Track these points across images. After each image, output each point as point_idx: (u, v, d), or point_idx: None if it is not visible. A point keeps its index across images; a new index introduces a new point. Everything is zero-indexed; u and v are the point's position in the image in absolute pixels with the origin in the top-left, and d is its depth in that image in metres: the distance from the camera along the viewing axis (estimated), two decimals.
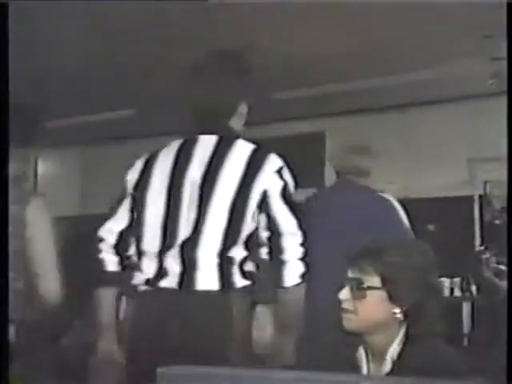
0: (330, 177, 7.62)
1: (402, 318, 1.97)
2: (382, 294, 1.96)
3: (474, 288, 5.80)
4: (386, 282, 1.96)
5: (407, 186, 5.30)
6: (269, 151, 2.51)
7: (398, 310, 1.97)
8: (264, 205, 2.37)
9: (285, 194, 2.40)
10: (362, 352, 2.04)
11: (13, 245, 2.40)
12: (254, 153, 2.48)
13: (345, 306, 1.99)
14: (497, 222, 6.73)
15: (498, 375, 1.84)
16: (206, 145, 2.53)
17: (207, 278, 2.34)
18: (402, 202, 4.81)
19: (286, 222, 2.37)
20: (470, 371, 1.98)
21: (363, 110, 7.42)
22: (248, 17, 4.95)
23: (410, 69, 6.07)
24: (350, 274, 2.00)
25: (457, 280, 5.77)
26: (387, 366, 1.97)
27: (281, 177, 2.43)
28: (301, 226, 2.36)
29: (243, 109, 2.70)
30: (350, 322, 1.99)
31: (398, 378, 1.75)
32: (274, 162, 2.46)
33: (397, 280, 1.95)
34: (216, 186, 2.40)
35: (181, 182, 2.45)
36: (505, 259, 5.57)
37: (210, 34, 5.25)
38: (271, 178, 2.41)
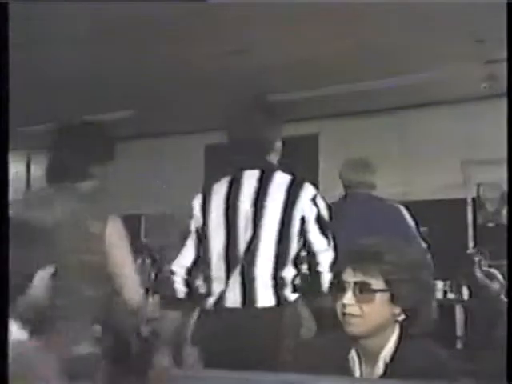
0: (324, 179, 7.67)
1: (402, 319, 1.97)
2: (386, 295, 1.96)
3: (466, 290, 5.81)
4: (389, 284, 1.95)
5: (401, 189, 5.30)
6: (304, 181, 2.96)
7: (398, 311, 1.97)
8: (303, 229, 2.84)
9: (318, 219, 2.85)
10: (354, 354, 2.04)
11: (93, 259, 2.72)
12: (292, 183, 2.92)
13: (349, 310, 1.97)
14: (490, 224, 6.75)
15: (490, 377, 1.84)
16: (251, 178, 2.98)
17: (265, 296, 2.77)
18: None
19: (320, 242, 2.84)
20: (463, 373, 1.98)
21: (358, 113, 7.43)
22: (245, 18, 4.95)
23: (404, 72, 6.08)
24: (354, 278, 1.98)
25: (449, 282, 5.78)
26: (380, 369, 1.96)
27: (315, 203, 2.87)
28: (330, 245, 2.84)
29: (279, 145, 3.20)
30: (354, 327, 1.97)
31: (390, 381, 1.74)
32: (308, 190, 2.91)
33: (399, 281, 1.95)
34: (264, 216, 2.85)
35: (235, 213, 2.90)
36: (497, 262, 5.58)
37: (209, 35, 5.27)
38: (307, 206, 2.85)
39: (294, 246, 2.83)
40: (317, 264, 2.82)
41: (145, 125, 8.15)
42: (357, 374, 2.00)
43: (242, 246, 2.83)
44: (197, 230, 3.02)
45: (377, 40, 5.41)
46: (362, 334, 1.99)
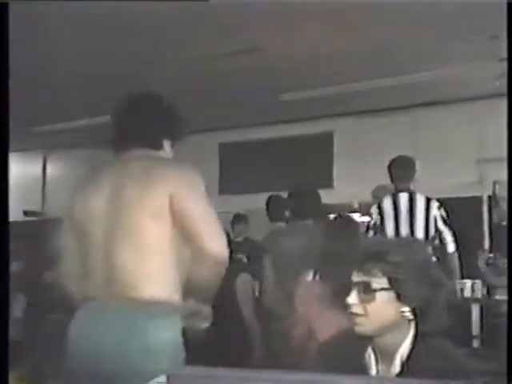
0: (338, 176, 7.65)
1: (412, 317, 1.97)
2: (390, 294, 1.96)
3: (483, 289, 5.78)
4: (393, 282, 1.96)
5: (416, 187, 5.30)
6: (434, 198, 5.16)
7: (406, 309, 1.97)
8: (435, 225, 5.07)
9: (443, 218, 5.09)
10: (370, 353, 2.04)
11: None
12: (427, 200, 5.11)
13: (354, 310, 1.98)
14: (504, 223, 6.70)
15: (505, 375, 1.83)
16: (404, 199, 5.12)
17: None
18: None
19: (446, 233, 5.09)
20: (479, 373, 1.97)
21: (372, 111, 7.41)
22: (257, 17, 4.95)
23: (418, 70, 6.06)
24: (357, 278, 1.99)
25: (466, 281, 5.75)
26: (396, 367, 1.96)
27: (439, 209, 5.10)
28: (454, 235, 5.10)
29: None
30: (361, 326, 1.98)
31: (407, 380, 1.74)
32: (436, 203, 5.12)
33: (403, 279, 1.95)
34: (417, 218, 5.06)
35: (398, 215, 5.12)
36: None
37: (221, 33, 5.28)
38: (437, 211, 5.09)
39: (432, 235, 5.05)
40: (446, 247, 5.07)
41: None
42: (373, 372, 2.00)
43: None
44: (374, 224, 5.10)
45: (390, 38, 5.41)
46: (370, 333, 1.99)
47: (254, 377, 1.51)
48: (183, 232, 2.47)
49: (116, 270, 2.47)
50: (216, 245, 2.45)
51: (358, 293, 1.97)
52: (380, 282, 1.96)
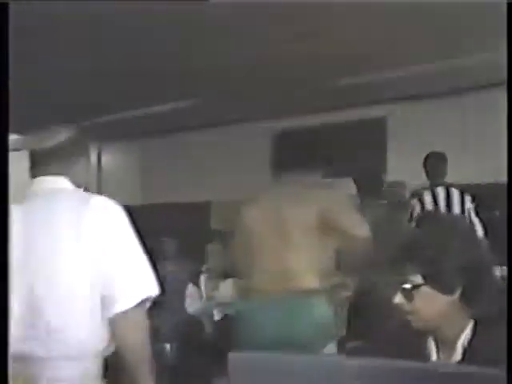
0: (391, 162, 7.59)
1: (461, 304, 1.94)
2: (429, 288, 1.94)
3: None
4: (428, 276, 1.93)
5: (470, 171, 5.21)
6: (466, 192, 5.24)
7: (451, 298, 1.94)
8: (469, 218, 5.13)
9: (476, 210, 5.19)
10: (431, 341, 2.02)
11: None
12: (461, 193, 5.20)
13: (402, 309, 1.98)
14: None
15: None
16: (442, 194, 5.22)
17: None
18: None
19: (478, 225, 5.09)
20: None
21: (425, 95, 7.31)
22: (314, 2, 4.91)
23: (470, 53, 5.96)
24: (397, 278, 1.98)
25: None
26: (458, 355, 1.93)
27: (472, 202, 5.19)
28: (484, 227, 5.12)
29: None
30: (414, 323, 1.97)
31: (471, 367, 1.72)
32: (469, 197, 5.19)
33: (438, 270, 1.92)
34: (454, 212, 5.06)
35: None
36: None
37: (276, 20, 5.25)
38: (470, 204, 5.17)
39: None
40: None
41: (210, 113, 8.20)
42: (433, 357, 1.98)
43: None
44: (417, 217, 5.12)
45: (440, 22, 5.32)
46: (425, 328, 1.98)
47: (319, 361, 1.51)
48: (329, 232, 3.30)
49: (280, 267, 3.24)
50: (362, 230, 3.36)
51: (402, 292, 1.96)
52: (415, 278, 1.93)
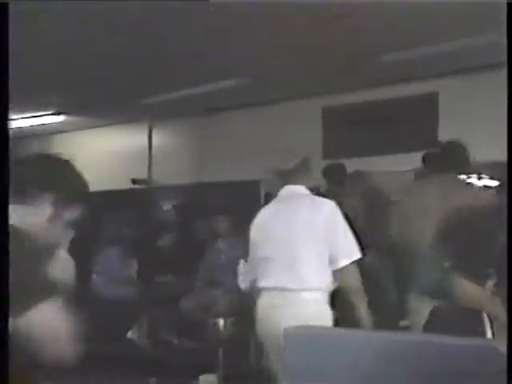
0: (444, 139, 7.47)
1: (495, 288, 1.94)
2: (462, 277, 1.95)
3: None
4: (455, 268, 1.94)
5: None
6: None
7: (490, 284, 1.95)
8: None
9: None
10: (485, 317, 2.02)
11: None
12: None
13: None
14: None
15: None
16: None
17: None
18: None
19: None
20: None
21: (477, 68, 7.17)
22: None
23: None
24: None
25: None
26: None
27: None
28: None
29: None
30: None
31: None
32: None
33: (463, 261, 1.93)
34: None
35: None
36: None
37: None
38: None
39: None
40: None
41: (259, 91, 8.20)
42: (488, 335, 1.98)
43: None
44: None
45: None
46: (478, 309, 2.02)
47: (365, 336, 1.52)
48: None
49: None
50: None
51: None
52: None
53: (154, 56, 6.67)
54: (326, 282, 3.63)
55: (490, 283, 1.98)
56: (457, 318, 2.05)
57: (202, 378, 4.98)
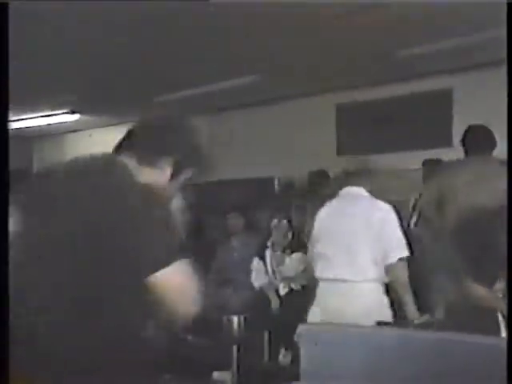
0: (458, 136, 7.42)
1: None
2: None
3: None
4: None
5: None
6: None
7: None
8: None
9: None
10: (499, 316, 2.02)
11: None
12: None
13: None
14: None
15: None
16: None
17: None
18: None
19: None
20: None
21: (492, 63, 7.12)
22: None
23: None
24: None
25: None
26: None
27: None
28: None
29: None
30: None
31: None
32: None
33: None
34: None
35: None
36: None
37: None
38: None
39: None
40: None
41: (271, 89, 8.20)
42: (503, 334, 1.98)
43: None
44: None
45: None
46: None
47: (379, 333, 1.52)
48: None
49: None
50: None
51: None
52: None
53: (168, 54, 6.67)
54: (381, 275, 3.95)
55: (499, 285, 2.00)
56: (472, 317, 2.05)
57: (215, 374, 4.99)
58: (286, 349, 5.25)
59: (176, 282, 1.84)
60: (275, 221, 5.90)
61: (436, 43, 6.32)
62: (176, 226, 1.95)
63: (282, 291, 5.73)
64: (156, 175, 2.06)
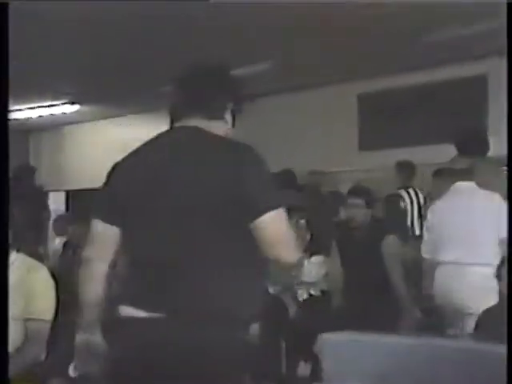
0: (493, 123, 7.37)
1: None
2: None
3: None
4: None
5: None
6: None
7: None
8: None
9: None
10: None
11: None
12: None
13: None
14: None
15: None
16: None
17: None
18: None
19: None
20: None
21: None
22: None
23: None
24: None
25: None
26: None
27: None
28: None
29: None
30: None
31: None
32: None
33: None
34: None
35: None
36: None
37: None
38: None
39: None
40: None
41: (288, 77, 8.19)
42: None
43: None
44: None
45: None
46: None
47: (395, 342, 1.52)
48: None
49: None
50: None
51: None
52: None
53: (171, 41, 6.70)
54: (495, 258, 4.39)
55: None
56: (503, 326, 2.06)
57: None
58: (305, 361, 5.21)
59: (283, 225, 2.15)
60: (292, 221, 5.87)
61: (465, 29, 6.28)
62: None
63: (301, 297, 5.68)
64: (224, 127, 2.50)
